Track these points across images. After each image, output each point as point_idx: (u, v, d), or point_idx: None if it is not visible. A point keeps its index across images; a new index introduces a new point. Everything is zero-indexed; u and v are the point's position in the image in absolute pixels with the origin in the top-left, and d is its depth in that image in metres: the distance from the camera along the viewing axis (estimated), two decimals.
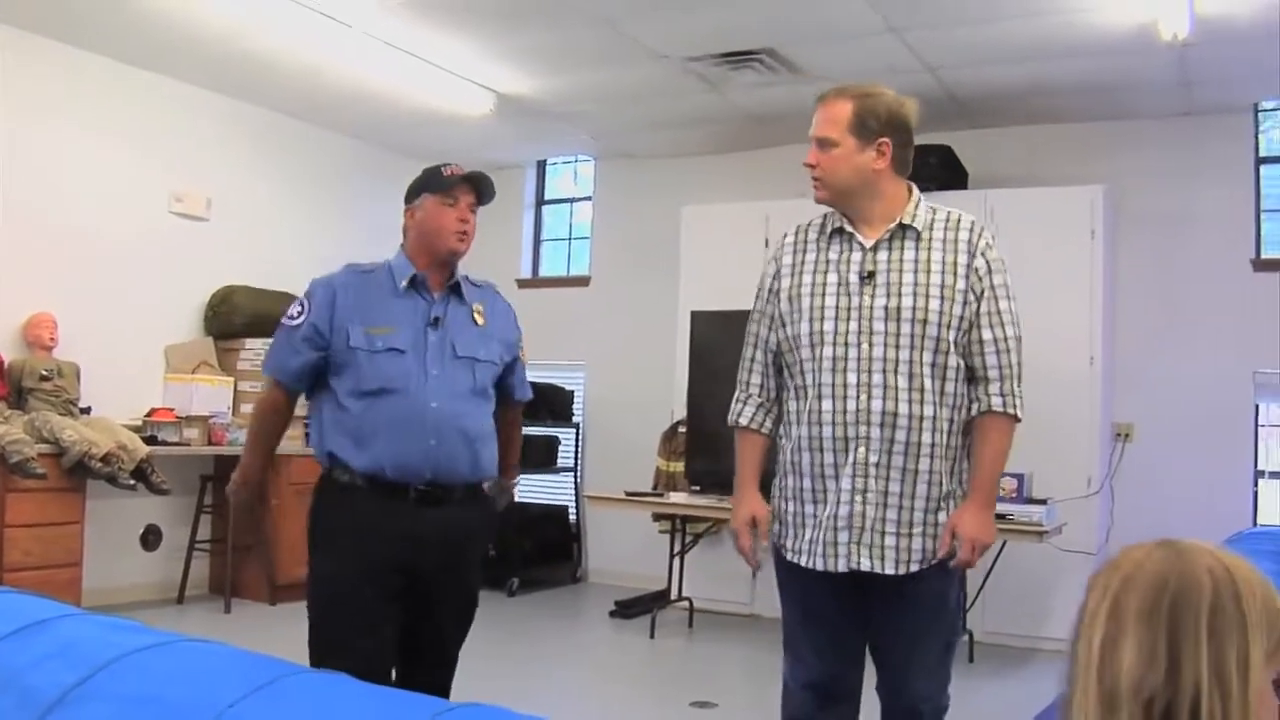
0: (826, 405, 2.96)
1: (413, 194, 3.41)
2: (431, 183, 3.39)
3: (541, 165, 9.88)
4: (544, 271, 9.84)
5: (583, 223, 9.72)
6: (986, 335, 3.04)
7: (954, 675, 6.18)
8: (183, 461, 7.34)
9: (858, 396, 2.93)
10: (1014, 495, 6.31)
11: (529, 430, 8.59)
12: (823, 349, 2.97)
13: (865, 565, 2.93)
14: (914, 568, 2.94)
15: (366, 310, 3.29)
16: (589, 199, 9.65)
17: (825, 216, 3.12)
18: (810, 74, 6.84)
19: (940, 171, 7.30)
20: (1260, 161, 7.34)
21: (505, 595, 8.19)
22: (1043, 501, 6.18)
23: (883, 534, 2.93)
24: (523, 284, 9.54)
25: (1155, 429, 7.27)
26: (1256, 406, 7.22)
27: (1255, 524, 6.76)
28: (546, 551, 8.83)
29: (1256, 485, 7.23)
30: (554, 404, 8.86)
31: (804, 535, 3.02)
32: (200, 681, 1.79)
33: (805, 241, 3.12)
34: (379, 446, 3.22)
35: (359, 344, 3.25)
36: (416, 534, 3.24)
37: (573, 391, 9.05)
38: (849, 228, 3.04)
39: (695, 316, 7.49)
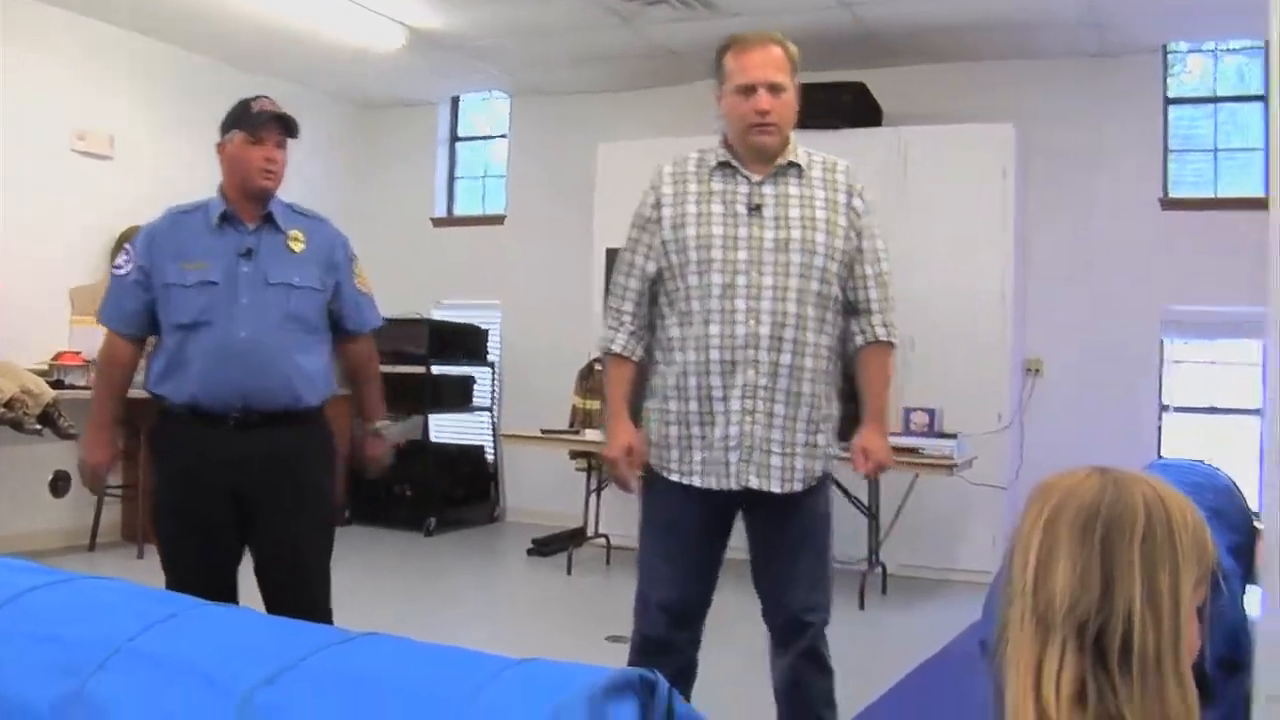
0: (714, 330, 3.08)
1: (223, 129, 3.46)
2: (240, 119, 3.43)
3: (455, 102, 9.75)
4: (459, 210, 9.73)
5: (498, 161, 9.61)
6: (869, 270, 3.22)
7: (868, 607, 6.33)
8: (90, 406, 7.20)
9: (746, 322, 3.06)
10: (925, 430, 6.39)
11: (444, 370, 8.57)
12: (710, 276, 3.08)
13: (754, 484, 3.09)
14: (798, 487, 3.13)
15: (182, 248, 3.37)
16: (504, 137, 9.54)
17: (702, 152, 3.24)
18: (724, 9, 6.80)
19: (854, 109, 7.31)
20: (1169, 103, 7.44)
21: (423, 535, 8.18)
22: (953, 436, 6.26)
23: (768, 453, 3.09)
24: (437, 223, 9.45)
25: (1065, 364, 7.39)
26: (1162, 342, 7.36)
27: (1160, 456, 6.90)
28: (464, 491, 8.81)
29: (1162, 419, 7.39)
30: (469, 344, 8.82)
31: (692, 457, 3.14)
32: (99, 617, 1.77)
33: (685, 174, 3.22)
34: (193, 377, 3.32)
35: (174, 280, 3.34)
36: (241, 459, 3.33)
37: (488, 331, 9.00)
38: (735, 163, 3.16)
39: (611, 255, 7.45)
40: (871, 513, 6.73)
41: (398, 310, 8.68)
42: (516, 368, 9.10)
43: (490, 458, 9.11)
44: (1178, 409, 7.47)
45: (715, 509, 3.18)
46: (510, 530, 8.70)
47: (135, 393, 3.59)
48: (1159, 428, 7.37)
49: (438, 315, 9.06)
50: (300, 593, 3.39)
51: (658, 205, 3.20)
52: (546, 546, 7.69)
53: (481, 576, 7.44)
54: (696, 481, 3.13)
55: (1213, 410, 7.45)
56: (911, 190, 7.16)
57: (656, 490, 3.24)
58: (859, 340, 3.25)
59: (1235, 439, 7.23)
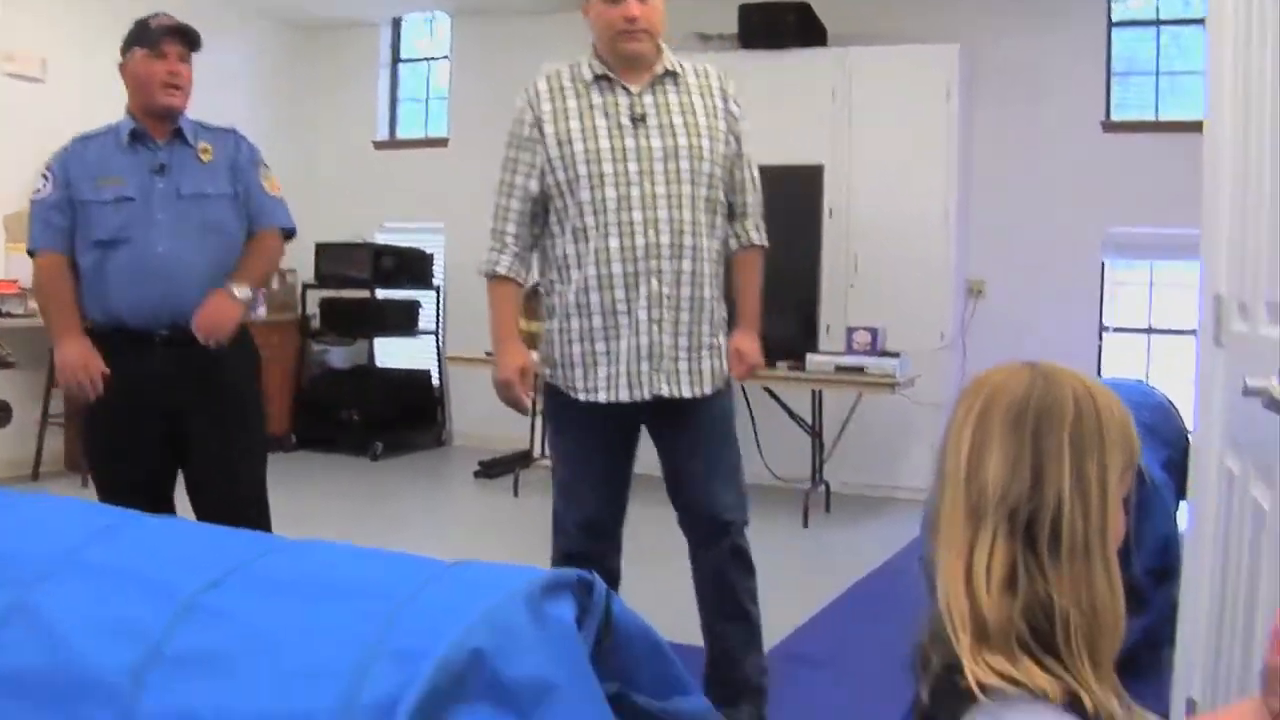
0: (614, 243, 3.07)
1: (124, 48, 3.45)
2: (140, 36, 3.42)
3: (397, 23, 9.59)
4: (401, 133, 9.61)
5: (441, 83, 9.50)
6: (747, 174, 3.29)
7: (812, 525, 6.39)
8: (30, 334, 7.07)
9: (645, 233, 3.07)
10: (868, 349, 6.43)
11: (389, 294, 8.52)
12: (604, 190, 3.08)
13: (666, 391, 3.12)
14: (707, 390, 3.18)
15: (95, 168, 3.36)
16: (446, 58, 9.42)
17: (574, 66, 3.20)
18: None
19: (799, 29, 7.28)
20: (1113, 25, 7.45)
21: (369, 460, 8.17)
22: (896, 355, 6.30)
23: (676, 360, 3.13)
24: (379, 145, 9.34)
25: (1007, 285, 7.44)
26: (1103, 264, 7.43)
27: (1099, 376, 7.00)
28: (410, 415, 8.80)
29: (1102, 339, 7.49)
30: (414, 267, 8.75)
31: (598, 372, 3.15)
32: (40, 532, 1.77)
33: (562, 89, 3.17)
34: (115, 296, 3.31)
35: (90, 196, 3.33)
36: (171, 377, 3.33)
37: (432, 254, 8.93)
38: (611, 74, 3.15)
39: None
40: (815, 432, 6.79)
41: (341, 235, 8.62)
42: (461, 291, 9.04)
43: (436, 382, 9.09)
44: (1117, 330, 7.56)
45: (623, 422, 3.21)
46: (457, 454, 8.71)
47: None
48: (1099, 348, 7.46)
49: (381, 239, 8.98)
50: (237, 512, 3.36)
51: (538, 123, 3.15)
52: (493, 469, 7.71)
53: (428, 500, 7.45)
54: (603, 397, 3.13)
55: (1151, 331, 7.55)
56: (856, 111, 7.16)
57: (564, 411, 3.25)
58: (733, 244, 3.30)
59: (1173, 360, 7.35)
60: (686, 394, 3.14)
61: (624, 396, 3.12)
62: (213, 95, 7.65)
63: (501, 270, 3.21)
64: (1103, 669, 1.21)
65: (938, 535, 1.28)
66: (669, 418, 3.20)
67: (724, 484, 3.24)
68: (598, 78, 3.14)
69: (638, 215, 3.06)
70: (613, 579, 3.26)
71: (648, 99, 3.13)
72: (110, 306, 3.31)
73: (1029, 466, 1.22)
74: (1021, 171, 7.44)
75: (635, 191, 3.07)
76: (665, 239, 3.07)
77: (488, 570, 1.48)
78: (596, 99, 3.13)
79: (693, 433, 3.22)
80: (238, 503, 3.44)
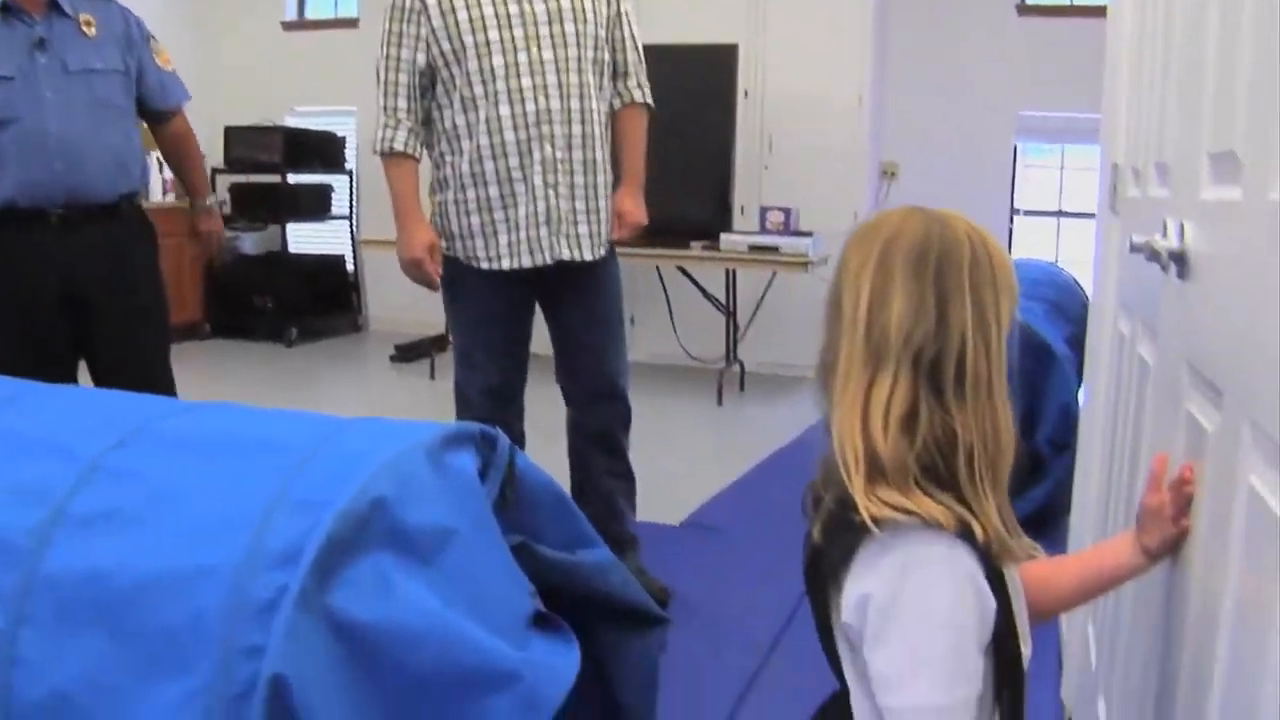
0: (505, 110, 3.08)
1: None
2: None
3: None
4: (309, 14, 9.38)
5: None
6: (627, 32, 3.29)
7: (726, 403, 6.47)
8: None
9: (536, 99, 3.08)
10: (781, 228, 6.47)
11: (299, 178, 8.38)
12: (491, 59, 3.07)
13: (567, 255, 3.17)
14: (603, 251, 3.24)
15: None
16: None
17: None
18: None
19: None
20: None
21: (284, 346, 8.12)
22: (809, 234, 6.35)
23: (575, 223, 3.17)
24: (288, 26, 9.13)
25: (920, 167, 7.49)
26: (1015, 147, 7.50)
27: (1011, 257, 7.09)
28: (325, 301, 8.74)
29: (1013, 222, 7.59)
30: (325, 151, 8.62)
31: (498, 241, 3.16)
32: None
33: None
34: (6, 178, 3.20)
35: None
36: (70, 260, 3.28)
37: (344, 137, 8.79)
38: None
39: None
40: (729, 311, 6.85)
41: (250, 118, 8.45)
42: (374, 174, 8.88)
43: (350, 267, 9.01)
44: (1028, 213, 7.67)
45: (522, 289, 3.24)
46: (373, 339, 8.68)
47: None
48: (1010, 230, 7.57)
49: (291, 123, 8.82)
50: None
51: None
52: (409, 353, 7.70)
53: (345, 385, 7.45)
54: (507, 264, 3.16)
55: (1061, 214, 7.67)
56: None
57: (465, 283, 3.26)
58: (616, 103, 3.32)
59: (1081, 242, 7.47)
60: (588, 256, 3.19)
61: (526, 262, 3.15)
62: None
63: (398, 146, 3.18)
64: (1000, 489, 1.26)
65: (832, 381, 1.31)
66: (567, 284, 3.24)
67: (617, 349, 3.33)
68: None
69: (526, 81, 3.07)
70: (519, 444, 3.30)
71: None
72: (5, 188, 3.21)
73: (933, 308, 1.25)
74: (937, 54, 7.46)
75: (523, 57, 3.07)
76: (556, 104, 3.09)
77: (389, 425, 1.50)
78: None
79: (591, 298, 3.28)
80: (145, 388, 3.41)
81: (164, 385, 3.46)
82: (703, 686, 2.88)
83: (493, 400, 3.27)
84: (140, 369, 3.40)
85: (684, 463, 5.22)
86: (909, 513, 1.20)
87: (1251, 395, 1.11)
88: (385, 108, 3.19)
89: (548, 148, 3.10)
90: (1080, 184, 7.58)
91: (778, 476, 4.81)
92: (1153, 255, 1.50)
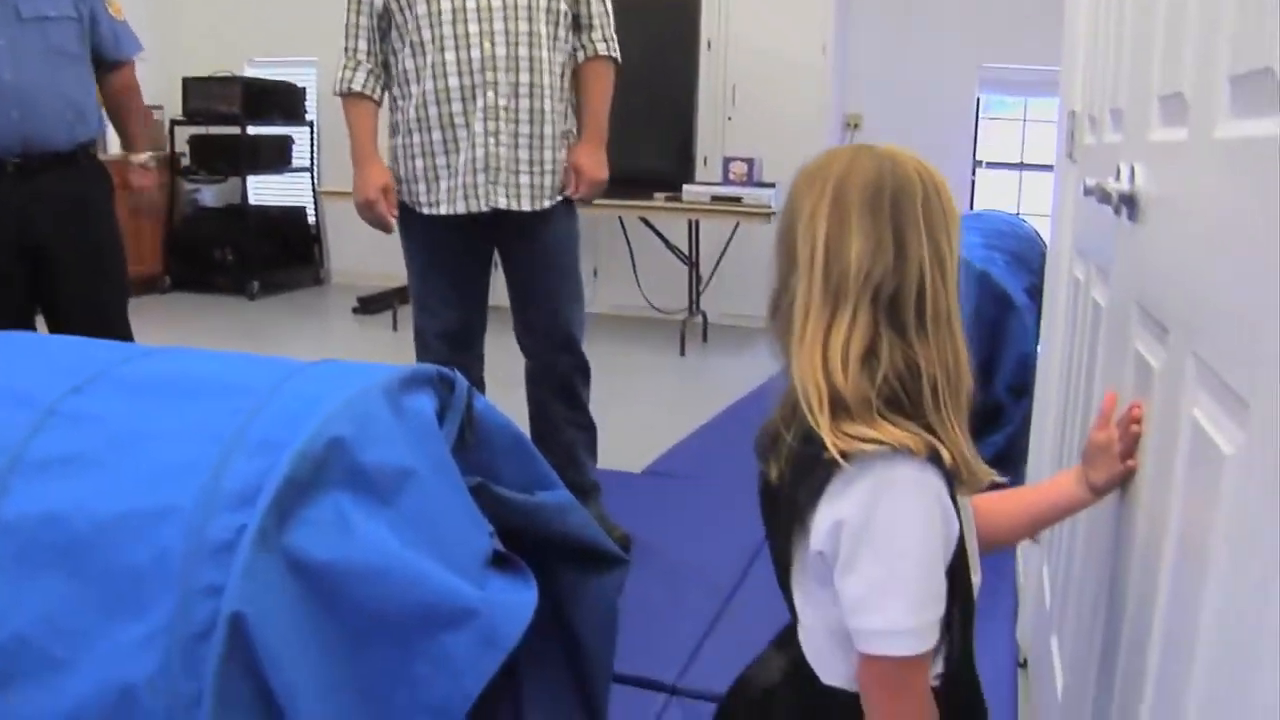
0: (450, 56, 3.06)
1: None
2: None
3: None
4: None
5: None
6: None
7: (689, 354, 6.48)
8: None
9: (481, 44, 3.06)
10: (744, 179, 6.47)
11: (259, 130, 8.30)
12: (440, 2, 3.05)
13: (504, 203, 3.15)
14: (547, 203, 3.21)
15: None
16: None
17: None
18: None
19: None
20: None
21: (247, 300, 8.07)
22: (772, 185, 6.35)
23: (517, 173, 3.15)
24: None
25: (883, 119, 7.48)
26: (978, 100, 7.51)
27: (971, 209, 7.13)
28: (287, 254, 8.68)
29: (975, 174, 7.61)
30: (285, 102, 8.52)
31: (439, 186, 3.16)
32: None
33: None
34: None
35: None
36: (27, 208, 3.25)
37: (304, 89, 8.69)
38: None
39: None
40: (692, 262, 6.86)
41: (208, 68, 8.35)
42: (335, 126, 8.80)
43: (312, 219, 8.95)
44: (990, 165, 7.69)
45: (471, 235, 3.23)
46: (335, 291, 8.63)
47: None
48: (972, 182, 7.59)
49: (250, 73, 8.73)
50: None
51: None
52: (371, 305, 7.67)
53: (308, 338, 7.41)
54: (444, 210, 3.16)
55: (1023, 167, 7.70)
56: None
57: (414, 227, 3.27)
58: (580, 56, 3.29)
59: (1042, 195, 7.51)
60: (527, 207, 3.17)
61: (461, 209, 3.15)
62: None
63: (356, 87, 3.19)
64: (962, 416, 1.28)
65: (788, 323, 1.32)
66: (520, 235, 3.24)
67: (570, 302, 3.32)
68: None
69: (474, 27, 3.05)
70: (477, 387, 3.32)
71: None
72: None
73: (890, 244, 1.26)
74: (900, 6, 7.44)
75: (470, 2, 3.04)
76: (501, 50, 3.06)
77: (347, 367, 1.50)
78: None
79: (540, 249, 3.27)
80: (102, 325, 3.38)
81: (120, 336, 3.44)
82: (664, 628, 2.91)
83: (450, 344, 3.28)
84: (98, 319, 3.37)
85: (646, 412, 5.24)
86: (878, 442, 1.21)
87: (1195, 330, 1.13)
88: (346, 49, 3.19)
89: (490, 95, 3.08)
90: (1042, 137, 7.61)
91: (738, 425, 4.83)
92: (1104, 198, 1.52)
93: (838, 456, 1.21)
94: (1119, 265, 1.64)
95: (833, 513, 1.23)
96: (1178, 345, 1.21)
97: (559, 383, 3.37)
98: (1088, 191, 1.60)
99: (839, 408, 1.24)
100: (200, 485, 1.29)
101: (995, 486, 1.37)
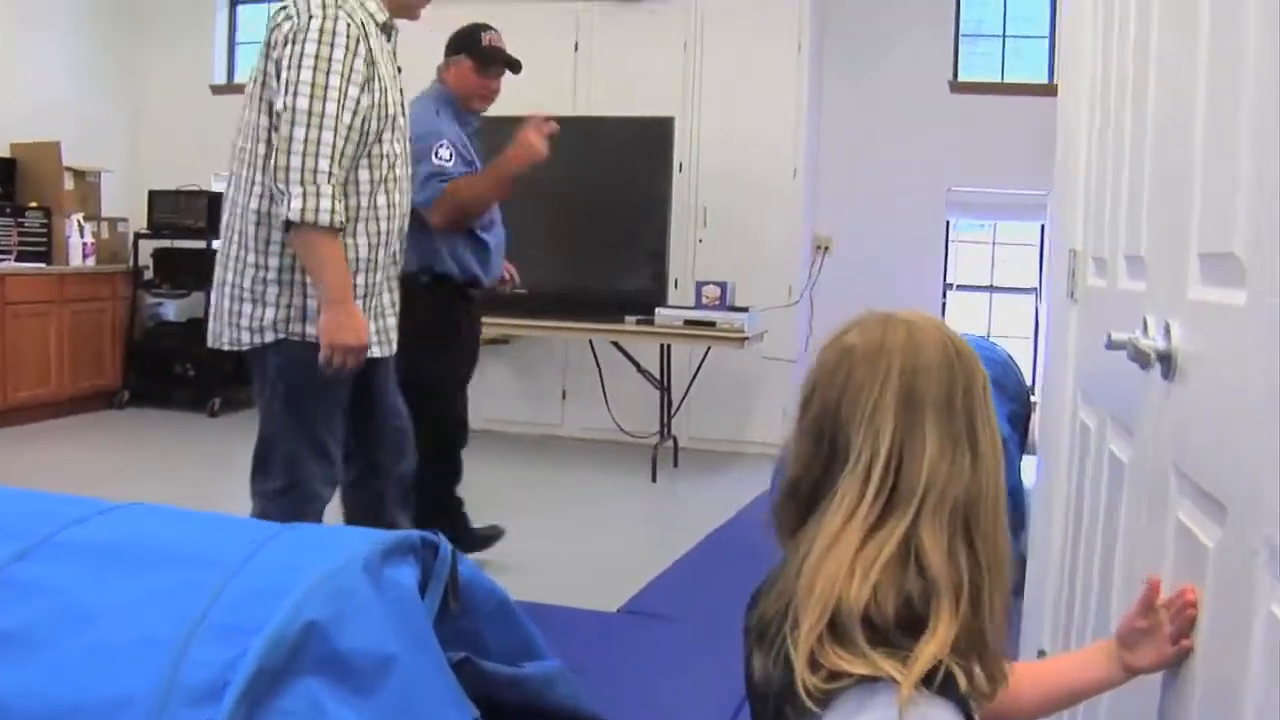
0: (401, 199, 3.05)
1: None
2: None
3: None
4: (240, 78, 9.27)
5: None
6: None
7: (660, 479, 6.36)
8: None
9: (407, 190, 3.10)
10: (717, 303, 6.42)
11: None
12: (402, 143, 3.04)
13: (378, 352, 3.07)
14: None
15: None
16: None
17: (363, 3, 2.92)
18: None
19: None
20: None
21: (207, 416, 7.90)
22: (745, 309, 6.30)
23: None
24: (217, 90, 8.97)
25: (853, 242, 7.48)
26: (948, 222, 7.54)
27: None
28: (248, 370, 8.49)
29: (946, 297, 7.60)
30: None
31: (371, 328, 2.99)
32: None
33: (368, 29, 2.89)
34: None
35: None
36: None
37: None
38: (391, 21, 3.03)
39: None
40: (663, 386, 6.77)
41: (175, 182, 8.28)
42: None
43: None
44: (960, 287, 7.69)
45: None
46: None
47: None
48: (943, 305, 7.57)
49: (218, 187, 8.66)
50: None
51: (372, 62, 2.86)
52: None
53: None
54: (378, 351, 3.05)
55: (992, 289, 7.70)
56: (708, 63, 7.11)
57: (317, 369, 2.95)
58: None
59: (1012, 317, 7.53)
60: (388, 353, 3.16)
61: (386, 351, 3.15)
62: (34, 34, 7.32)
63: (340, 220, 2.79)
64: (999, 615, 1.16)
65: (817, 519, 1.19)
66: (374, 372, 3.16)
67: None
68: (384, 24, 2.97)
69: (403, 170, 3.06)
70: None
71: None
72: None
73: (967, 452, 1.14)
74: (870, 129, 7.48)
75: (401, 147, 3.05)
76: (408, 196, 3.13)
77: (323, 534, 1.38)
78: (385, 44, 3.00)
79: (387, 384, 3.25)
80: None
81: None
82: None
83: (331, 486, 3.21)
84: None
85: (619, 543, 5.10)
86: (858, 675, 1.08)
87: (1264, 513, 1.03)
88: (327, 174, 2.76)
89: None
90: (1012, 259, 7.64)
91: (717, 558, 4.71)
92: (1136, 354, 1.43)
93: (808, 702, 1.09)
94: (1149, 422, 1.55)
95: None
96: (1241, 528, 1.11)
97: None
98: (1112, 345, 1.51)
99: (837, 628, 1.11)
100: (159, 673, 1.16)
101: None
